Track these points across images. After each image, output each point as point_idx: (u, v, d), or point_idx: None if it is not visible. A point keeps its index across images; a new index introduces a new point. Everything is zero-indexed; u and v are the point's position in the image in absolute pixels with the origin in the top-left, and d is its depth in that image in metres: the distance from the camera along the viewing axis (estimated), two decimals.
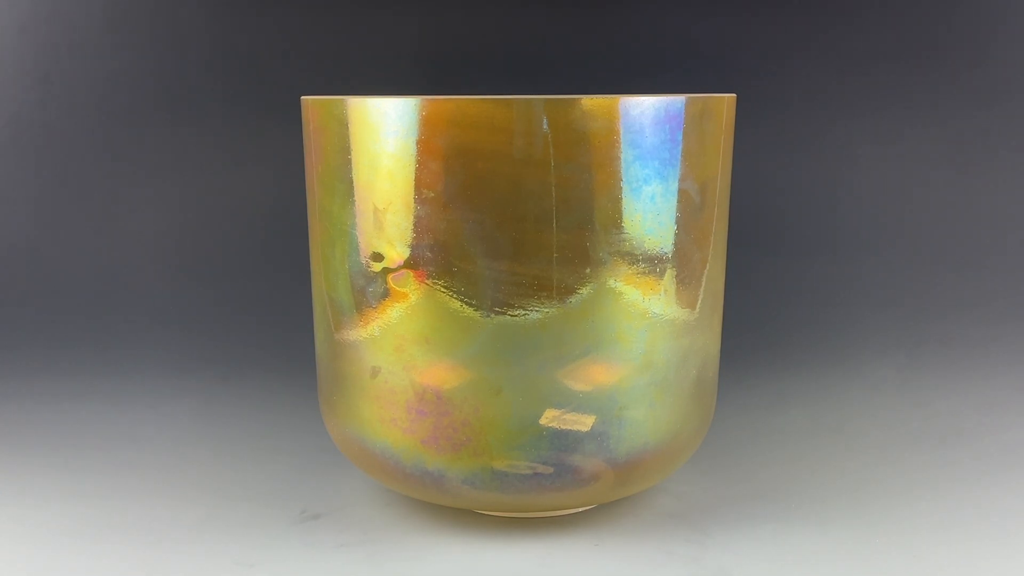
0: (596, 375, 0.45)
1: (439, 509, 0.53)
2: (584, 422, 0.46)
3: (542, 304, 0.44)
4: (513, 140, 0.43)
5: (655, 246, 0.45)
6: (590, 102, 0.43)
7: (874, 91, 0.92)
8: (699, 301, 0.48)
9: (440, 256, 0.44)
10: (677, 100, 0.45)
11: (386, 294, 0.46)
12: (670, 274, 0.46)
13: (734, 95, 0.49)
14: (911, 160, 0.93)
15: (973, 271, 0.88)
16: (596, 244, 0.44)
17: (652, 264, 0.46)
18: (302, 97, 0.49)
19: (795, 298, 0.86)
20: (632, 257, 0.45)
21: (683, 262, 0.47)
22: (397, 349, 0.46)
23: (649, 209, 0.45)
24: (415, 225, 0.44)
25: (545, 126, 0.43)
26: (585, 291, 0.44)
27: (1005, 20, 0.93)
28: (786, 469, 0.58)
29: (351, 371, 0.48)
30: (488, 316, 0.44)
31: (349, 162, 0.46)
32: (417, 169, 0.44)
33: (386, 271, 0.46)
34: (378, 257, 0.46)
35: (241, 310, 0.84)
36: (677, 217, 0.46)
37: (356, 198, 0.46)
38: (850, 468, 0.58)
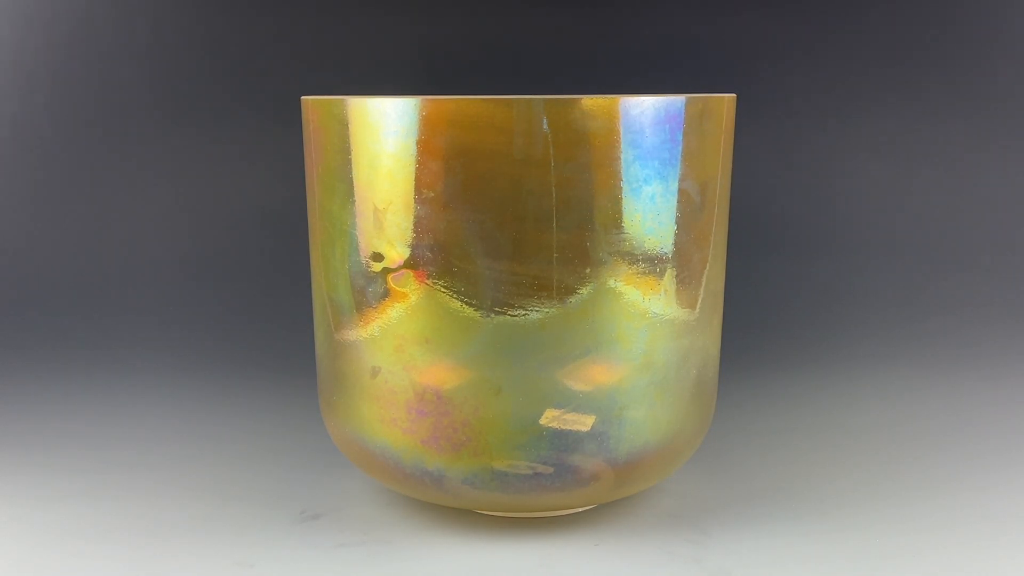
0: (596, 375, 0.45)
1: (439, 509, 0.53)
2: (584, 422, 0.46)
3: (542, 304, 0.44)
4: (513, 140, 0.43)
5: (655, 246, 0.45)
6: (590, 102, 0.43)
7: (874, 91, 0.92)
8: (699, 301, 0.48)
9: (440, 256, 0.44)
10: (677, 100, 0.45)
11: (386, 294, 0.46)
12: (670, 274, 0.46)
13: (734, 95, 0.49)
14: (911, 160, 0.93)
15: (973, 271, 0.88)
16: (596, 244, 0.44)
17: (652, 264, 0.46)
18: (302, 97, 0.49)
19: (795, 298, 0.86)
20: (632, 257, 0.45)
21: (683, 262, 0.47)
22: (397, 349, 0.46)
23: (649, 209, 0.45)
24: (415, 225, 0.44)
25: (545, 126, 0.43)
26: (585, 291, 0.44)
27: (1005, 20, 0.93)
28: (786, 469, 0.58)
29: (351, 371, 0.48)
30: (488, 316, 0.44)
31: (349, 162, 0.46)
32: (417, 169, 0.44)
33: (386, 271, 0.46)
34: (378, 257, 0.46)
35: (241, 310, 0.84)
36: (677, 217, 0.46)
37: (356, 198, 0.46)
38: (850, 468, 0.58)
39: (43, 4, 0.91)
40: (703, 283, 0.48)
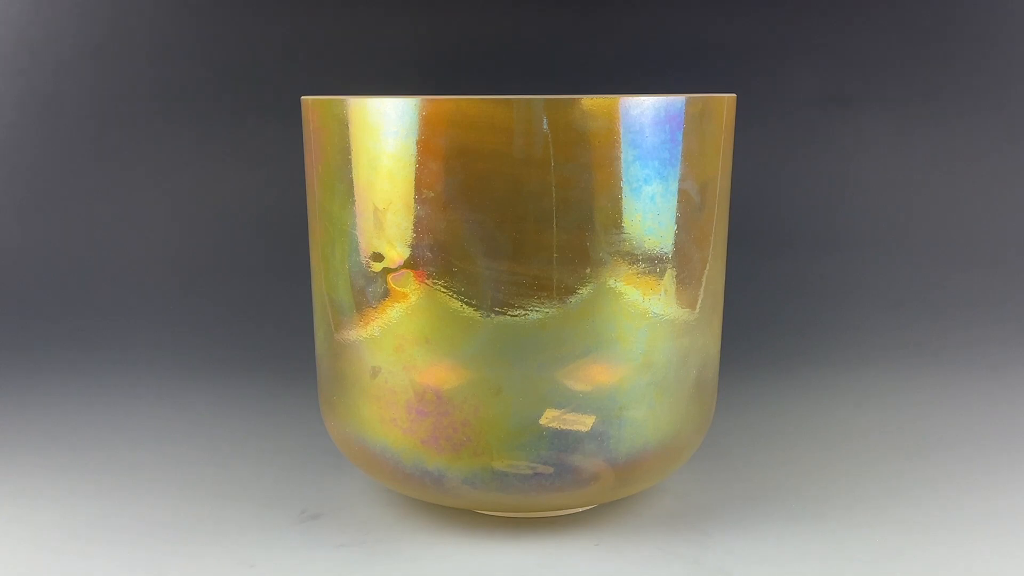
0: (596, 375, 0.45)
1: (439, 509, 0.53)
2: (584, 422, 0.46)
3: (542, 304, 0.44)
4: (513, 140, 0.43)
5: (655, 246, 0.45)
6: (590, 102, 0.43)
7: (874, 91, 0.92)
8: (699, 301, 0.48)
9: (440, 256, 0.44)
10: (677, 100, 0.45)
11: (386, 294, 0.46)
12: (670, 274, 0.46)
13: (734, 95, 0.49)
14: (911, 160, 0.93)
15: (973, 271, 0.88)
16: (596, 244, 0.44)
17: (652, 264, 0.46)
18: (302, 97, 0.49)
19: (795, 298, 0.86)
20: (632, 257, 0.45)
21: (683, 262, 0.47)
22: (397, 349, 0.46)
23: (649, 209, 0.45)
24: (415, 225, 0.44)
25: (545, 126, 0.43)
26: (585, 291, 0.44)
27: (1006, 19, 0.93)
28: (786, 469, 0.58)
29: (351, 371, 0.48)
30: (488, 316, 0.44)
31: (349, 162, 0.46)
32: (417, 169, 0.44)
33: (386, 271, 0.46)
34: (378, 257, 0.46)
35: (241, 310, 0.84)
36: (677, 217, 0.46)
37: (356, 198, 0.46)
38: (850, 468, 0.58)
39: (41, 5, 0.91)
40: (703, 283, 0.48)
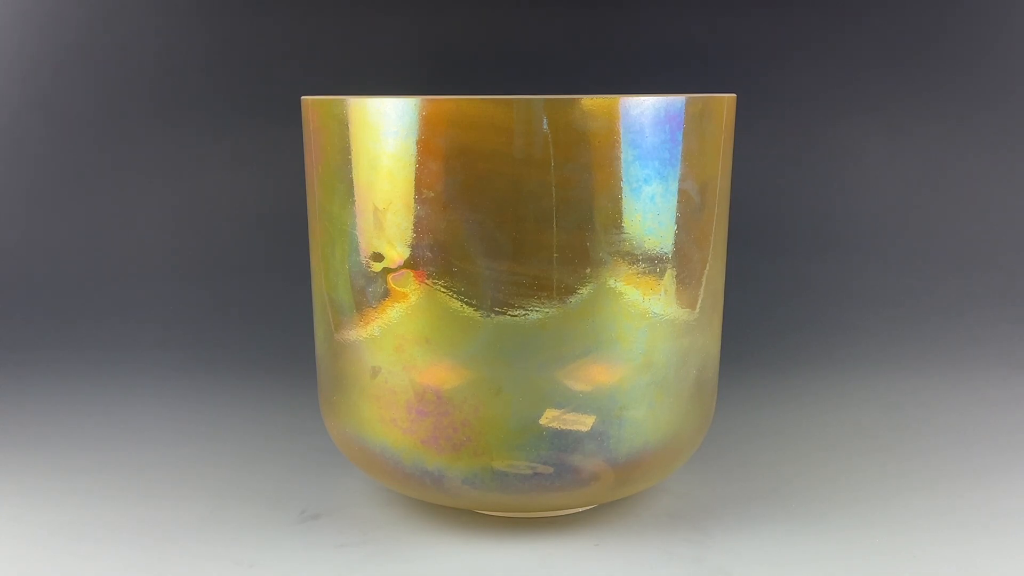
0: (596, 375, 0.45)
1: (439, 509, 0.53)
2: (584, 422, 0.46)
3: (542, 304, 0.44)
4: (513, 140, 0.43)
5: (655, 246, 0.45)
6: (590, 102, 0.43)
7: (874, 91, 0.92)
8: (699, 301, 0.48)
9: (440, 256, 0.44)
10: (677, 100, 0.45)
11: (386, 294, 0.46)
12: (670, 274, 0.46)
13: (734, 95, 0.49)
14: (911, 160, 0.93)
15: (973, 271, 0.88)
16: (596, 244, 0.44)
17: (652, 264, 0.46)
18: (302, 97, 0.49)
19: (795, 298, 0.86)
20: (632, 257, 0.45)
21: (683, 262, 0.47)
22: (397, 349, 0.46)
23: (649, 209, 0.45)
24: (415, 225, 0.44)
25: (545, 126, 0.43)
26: (585, 291, 0.44)
27: (1005, 19, 0.93)
28: (786, 469, 0.58)
29: (351, 371, 0.48)
30: (488, 316, 0.44)
31: (349, 162, 0.46)
32: (417, 169, 0.44)
33: (386, 271, 0.46)
34: (378, 257, 0.46)
35: (241, 310, 0.84)
36: (677, 217, 0.46)
37: (356, 198, 0.46)
38: (850, 468, 0.58)
39: (42, 5, 0.91)
40: (703, 283, 0.48)
